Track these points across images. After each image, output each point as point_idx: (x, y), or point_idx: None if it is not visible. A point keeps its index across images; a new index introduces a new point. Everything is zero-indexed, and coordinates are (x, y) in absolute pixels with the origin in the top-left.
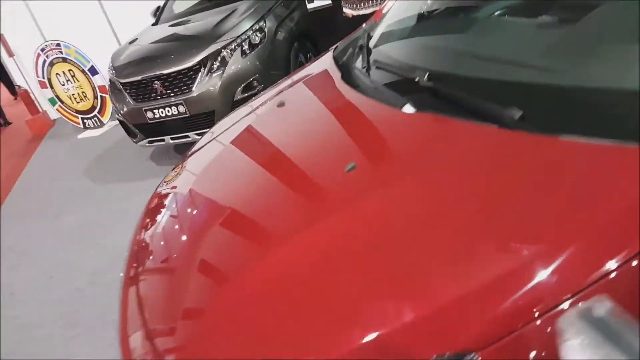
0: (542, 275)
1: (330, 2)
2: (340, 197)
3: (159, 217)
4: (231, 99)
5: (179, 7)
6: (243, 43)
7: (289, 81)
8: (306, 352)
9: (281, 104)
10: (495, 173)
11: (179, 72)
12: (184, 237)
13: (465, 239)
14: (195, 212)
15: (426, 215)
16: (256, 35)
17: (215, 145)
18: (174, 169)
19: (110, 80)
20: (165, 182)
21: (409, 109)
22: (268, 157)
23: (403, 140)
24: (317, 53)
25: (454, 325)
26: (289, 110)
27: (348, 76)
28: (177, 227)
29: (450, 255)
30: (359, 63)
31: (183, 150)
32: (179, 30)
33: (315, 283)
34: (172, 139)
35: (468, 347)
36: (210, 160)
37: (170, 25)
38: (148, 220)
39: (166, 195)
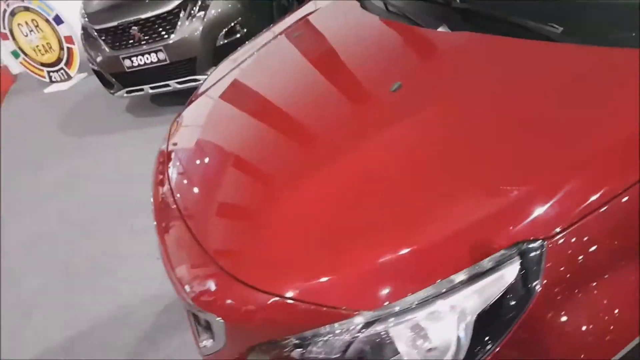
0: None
1: None
2: (391, 116)
3: (188, 155)
4: (213, 44)
5: None
6: None
7: (292, 19)
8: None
9: (299, 35)
10: (550, 85)
11: (157, 16)
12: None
13: (527, 141)
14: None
15: (495, 122)
16: None
17: (250, 72)
18: (176, 119)
19: (82, 27)
20: (178, 126)
21: (444, 28)
22: (312, 78)
23: (445, 58)
24: None
25: (526, 217)
26: (314, 39)
27: (371, 5)
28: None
29: (516, 159)
30: None
31: (160, 101)
32: None
33: (396, 181)
34: (151, 88)
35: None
36: (250, 88)
37: None
38: (174, 161)
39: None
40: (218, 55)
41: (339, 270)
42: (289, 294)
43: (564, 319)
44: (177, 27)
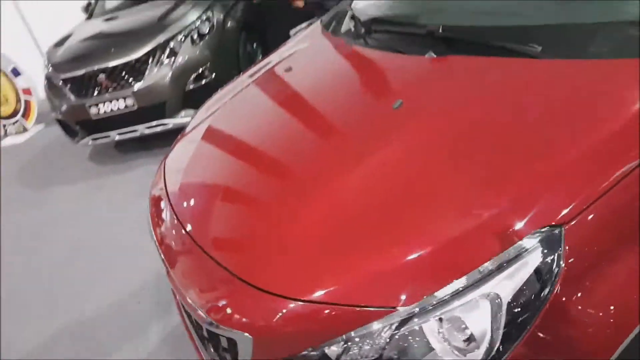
0: None
1: None
2: (398, 129)
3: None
4: (183, 89)
5: (110, 2)
6: (192, 33)
7: (276, 57)
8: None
9: (288, 69)
10: (536, 96)
11: (126, 64)
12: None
13: (531, 140)
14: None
15: (498, 128)
16: (204, 25)
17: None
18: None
19: (46, 77)
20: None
21: (430, 54)
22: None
23: (435, 79)
24: (265, 44)
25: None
26: (303, 73)
27: (358, 38)
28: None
29: (527, 157)
30: (362, 26)
31: (125, 148)
32: (120, 23)
33: (416, 182)
34: (118, 134)
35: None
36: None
37: (107, 20)
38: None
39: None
40: (187, 99)
41: (369, 269)
42: (321, 298)
43: (585, 300)
44: (146, 74)
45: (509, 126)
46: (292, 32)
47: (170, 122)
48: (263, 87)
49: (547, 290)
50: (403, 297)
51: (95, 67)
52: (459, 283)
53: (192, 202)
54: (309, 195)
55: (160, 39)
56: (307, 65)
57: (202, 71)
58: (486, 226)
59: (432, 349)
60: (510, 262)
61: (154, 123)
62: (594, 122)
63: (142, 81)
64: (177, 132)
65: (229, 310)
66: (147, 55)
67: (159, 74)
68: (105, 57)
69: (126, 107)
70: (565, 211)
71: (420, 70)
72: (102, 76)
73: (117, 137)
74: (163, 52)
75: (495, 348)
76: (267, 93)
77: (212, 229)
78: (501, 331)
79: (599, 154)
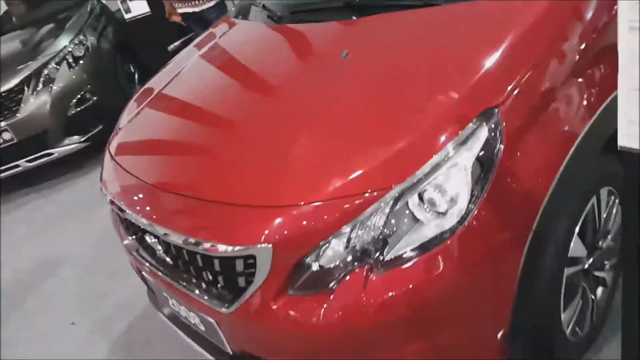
0: None
1: (149, 10)
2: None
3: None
4: (65, 115)
5: None
6: (67, 57)
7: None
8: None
9: (220, 51)
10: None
11: None
12: None
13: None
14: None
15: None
16: (78, 48)
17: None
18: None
19: None
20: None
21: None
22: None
23: (366, 34)
24: (140, 64)
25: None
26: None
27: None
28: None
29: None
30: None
31: (10, 187)
32: None
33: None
34: None
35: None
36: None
37: None
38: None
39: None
40: (70, 125)
41: (357, 164)
42: (326, 196)
43: (523, 157)
44: (22, 104)
45: (436, 53)
46: (170, 47)
47: (56, 152)
48: (200, 68)
49: (495, 154)
50: (392, 179)
51: None
52: (433, 160)
53: (156, 162)
54: (297, 116)
55: (33, 66)
56: (242, 43)
57: (83, 95)
58: (445, 116)
59: (417, 220)
60: (467, 138)
61: (37, 155)
62: (502, 33)
63: (18, 112)
64: (64, 163)
65: (244, 231)
66: (21, 84)
67: (37, 103)
68: None
69: (4, 141)
70: (498, 96)
71: (349, 31)
72: None
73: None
74: (38, 80)
75: (466, 206)
76: (208, 70)
77: (188, 175)
78: (469, 190)
79: (512, 56)
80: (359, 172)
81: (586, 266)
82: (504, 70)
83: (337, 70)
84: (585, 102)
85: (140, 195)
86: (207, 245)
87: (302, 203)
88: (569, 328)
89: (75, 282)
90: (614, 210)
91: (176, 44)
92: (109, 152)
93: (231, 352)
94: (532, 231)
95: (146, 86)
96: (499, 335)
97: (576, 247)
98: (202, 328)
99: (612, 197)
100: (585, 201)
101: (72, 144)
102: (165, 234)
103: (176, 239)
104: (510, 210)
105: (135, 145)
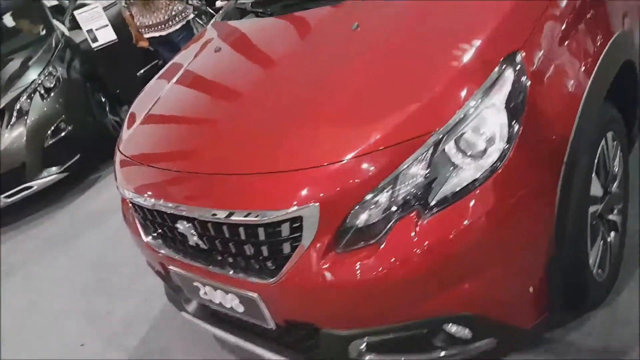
0: None
1: (115, 37)
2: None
3: None
4: (41, 146)
5: None
6: (38, 88)
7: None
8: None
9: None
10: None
11: None
12: None
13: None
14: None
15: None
16: (49, 79)
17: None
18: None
19: None
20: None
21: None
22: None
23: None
24: (108, 92)
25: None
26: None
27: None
28: None
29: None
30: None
31: None
32: None
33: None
34: None
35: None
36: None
37: None
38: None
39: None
40: (48, 155)
41: (394, 115)
42: (366, 149)
43: (548, 91)
44: None
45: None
46: (138, 73)
47: (35, 184)
48: (213, 58)
49: (523, 94)
50: (431, 125)
51: None
52: (468, 104)
53: (180, 149)
54: (326, 80)
55: (5, 100)
56: (254, 32)
57: (58, 125)
58: (472, 63)
59: (455, 165)
60: (496, 80)
61: (15, 190)
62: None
63: None
64: (45, 196)
65: (290, 194)
66: None
67: (12, 136)
68: None
69: None
70: (518, 41)
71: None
72: None
73: None
74: (12, 113)
75: (504, 143)
76: (223, 58)
77: (219, 155)
78: (505, 129)
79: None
80: (397, 122)
81: (600, 209)
82: (524, 16)
83: (355, 39)
84: (592, 44)
85: (172, 184)
86: (255, 214)
87: (343, 159)
88: (595, 269)
89: (75, 307)
90: (618, 155)
91: (145, 69)
92: (122, 154)
93: (275, 326)
94: (564, 163)
95: (156, 77)
96: (542, 266)
97: (595, 186)
98: (241, 309)
99: (615, 143)
100: (600, 139)
101: (50, 175)
102: (213, 214)
103: (222, 215)
104: (544, 144)
105: (151, 140)
